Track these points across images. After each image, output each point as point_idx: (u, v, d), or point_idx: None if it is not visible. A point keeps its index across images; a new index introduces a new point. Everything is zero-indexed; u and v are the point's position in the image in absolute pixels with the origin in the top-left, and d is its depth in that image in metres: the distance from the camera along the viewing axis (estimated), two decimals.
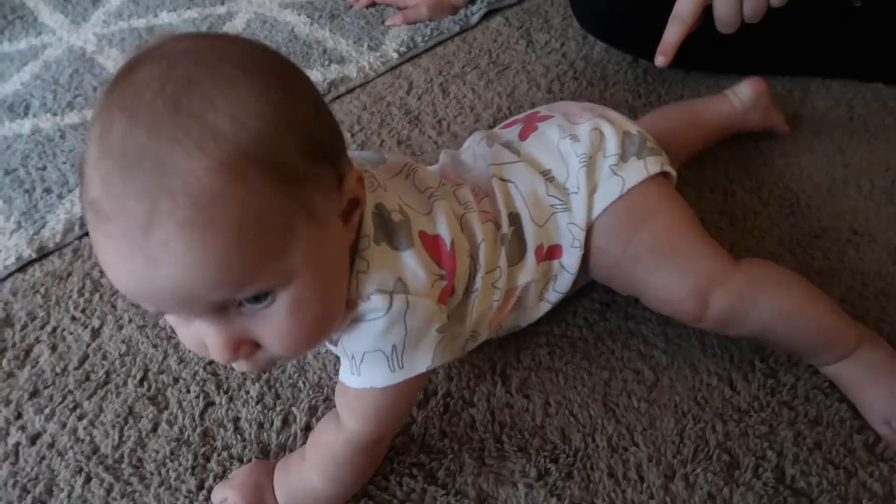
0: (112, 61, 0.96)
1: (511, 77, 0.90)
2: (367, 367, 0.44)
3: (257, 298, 0.36)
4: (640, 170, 0.55)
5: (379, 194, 0.45)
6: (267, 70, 0.37)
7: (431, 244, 0.46)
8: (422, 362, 0.45)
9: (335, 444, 0.48)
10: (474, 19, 1.00)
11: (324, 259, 0.39)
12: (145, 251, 0.33)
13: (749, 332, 0.55)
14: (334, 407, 0.56)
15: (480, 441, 0.54)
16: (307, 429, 0.55)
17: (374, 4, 1.05)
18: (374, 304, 0.42)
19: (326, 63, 0.93)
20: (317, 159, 0.38)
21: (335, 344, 0.46)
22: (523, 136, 0.57)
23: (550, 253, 0.54)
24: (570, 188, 0.55)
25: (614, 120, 0.58)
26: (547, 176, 0.55)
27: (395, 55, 0.94)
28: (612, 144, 0.55)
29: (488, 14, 1.01)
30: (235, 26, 1.02)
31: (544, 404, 0.56)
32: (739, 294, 0.52)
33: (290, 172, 0.36)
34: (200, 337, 0.38)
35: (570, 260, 0.54)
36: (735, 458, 0.52)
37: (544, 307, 0.57)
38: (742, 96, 0.73)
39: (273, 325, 0.38)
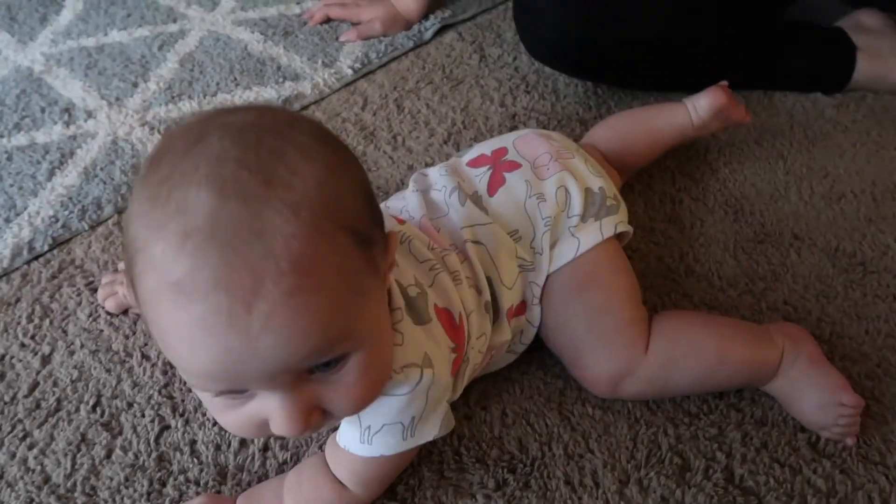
0: (61, 81, 0.94)
1: (465, 91, 0.91)
2: (381, 437, 0.45)
3: (328, 364, 0.36)
4: (595, 233, 0.57)
5: (395, 271, 0.46)
6: (329, 137, 0.39)
7: (445, 318, 0.48)
8: (430, 432, 0.46)
9: None
10: (428, 35, 1.01)
11: (383, 320, 0.40)
12: (247, 326, 0.32)
13: (674, 397, 0.57)
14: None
15: (439, 454, 0.55)
16: (265, 449, 0.55)
17: (328, 21, 1.05)
18: (407, 377, 0.43)
19: (280, 80, 0.93)
20: (377, 222, 0.39)
21: None
22: (491, 189, 0.58)
23: (518, 310, 0.56)
24: (535, 248, 0.56)
25: (578, 173, 0.58)
26: (514, 237, 0.56)
27: (350, 71, 0.94)
28: (576, 204, 0.57)
29: (442, 29, 1.03)
30: (188, 44, 1.01)
31: (501, 415, 0.57)
32: (650, 380, 0.55)
33: (365, 235, 0.37)
34: (257, 416, 0.37)
35: (534, 315, 0.56)
36: (686, 460, 0.54)
37: (510, 358, 0.59)
38: (700, 111, 0.71)
39: (342, 388, 0.37)
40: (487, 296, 0.53)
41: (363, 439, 0.45)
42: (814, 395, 0.54)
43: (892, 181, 0.77)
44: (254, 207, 0.32)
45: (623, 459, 0.54)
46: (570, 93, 0.90)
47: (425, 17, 1.03)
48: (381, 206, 0.59)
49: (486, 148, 0.62)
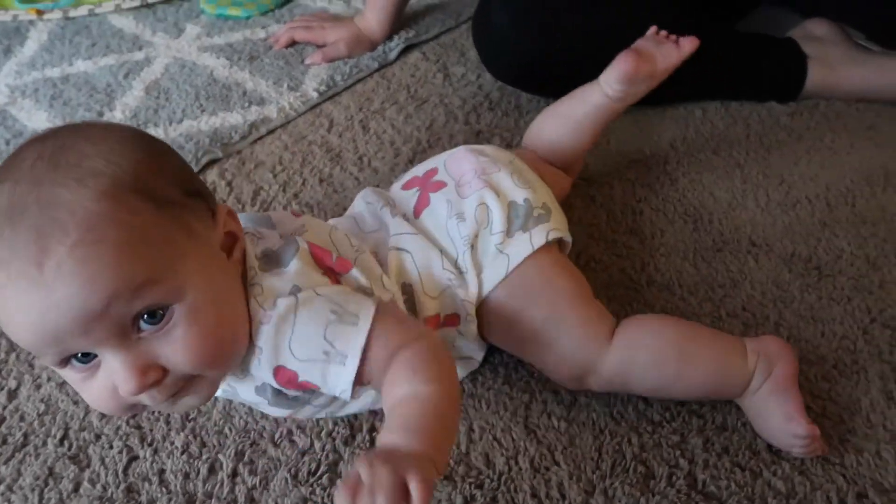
0: (26, 113, 0.94)
1: (429, 111, 0.93)
2: (338, 352, 0.44)
3: (153, 315, 0.40)
4: (525, 245, 0.57)
5: (261, 243, 0.50)
6: (131, 130, 0.46)
7: (317, 253, 0.50)
8: (367, 307, 0.45)
9: (419, 358, 0.44)
10: (392, 55, 1.03)
11: (212, 277, 0.43)
12: (42, 282, 0.37)
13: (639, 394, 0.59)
14: (262, 452, 0.56)
15: None
16: (234, 475, 0.55)
17: (293, 44, 1.06)
18: (281, 307, 0.45)
19: (247, 105, 0.94)
20: (189, 193, 0.44)
21: (313, 392, 0.48)
22: (417, 212, 0.59)
23: (448, 321, 0.56)
24: (461, 267, 0.57)
25: (500, 188, 0.58)
26: (444, 253, 0.57)
27: (316, 94, 0.95)
28: (497, 220, 0.57)
29: (406, 49, 1.04)
30: (154, 71, 1.02)
31: (468, 431, 0.58)
32: (611, 380, 0.56)
33: (166, 199, 0.42)
34: (108, 384, 0.41)
35: (468, 330, 0.57)
36: (650, 468, 0.55)
37: (463, 367, 0.60)
38: (612, 83, 0.67)
39: (173, 342, 0.41)
40: (400, 298, 0.54)
41: (339, 362, 0.44)
42: (772, 420, 0.55)
43: (846, 186, 0.80)
44: (42, 186, 0.39)
45: (588, 470, 0.55)
46: (532, 108, 0.92)
47: (389, 37, 1.04)
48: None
49: (419, 169, 0.63)
